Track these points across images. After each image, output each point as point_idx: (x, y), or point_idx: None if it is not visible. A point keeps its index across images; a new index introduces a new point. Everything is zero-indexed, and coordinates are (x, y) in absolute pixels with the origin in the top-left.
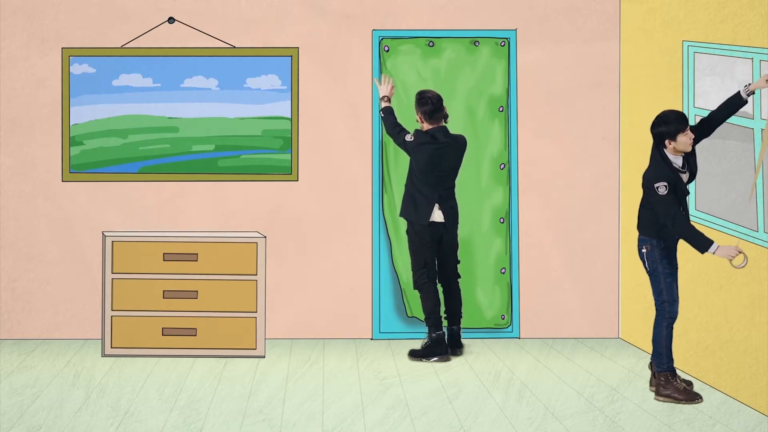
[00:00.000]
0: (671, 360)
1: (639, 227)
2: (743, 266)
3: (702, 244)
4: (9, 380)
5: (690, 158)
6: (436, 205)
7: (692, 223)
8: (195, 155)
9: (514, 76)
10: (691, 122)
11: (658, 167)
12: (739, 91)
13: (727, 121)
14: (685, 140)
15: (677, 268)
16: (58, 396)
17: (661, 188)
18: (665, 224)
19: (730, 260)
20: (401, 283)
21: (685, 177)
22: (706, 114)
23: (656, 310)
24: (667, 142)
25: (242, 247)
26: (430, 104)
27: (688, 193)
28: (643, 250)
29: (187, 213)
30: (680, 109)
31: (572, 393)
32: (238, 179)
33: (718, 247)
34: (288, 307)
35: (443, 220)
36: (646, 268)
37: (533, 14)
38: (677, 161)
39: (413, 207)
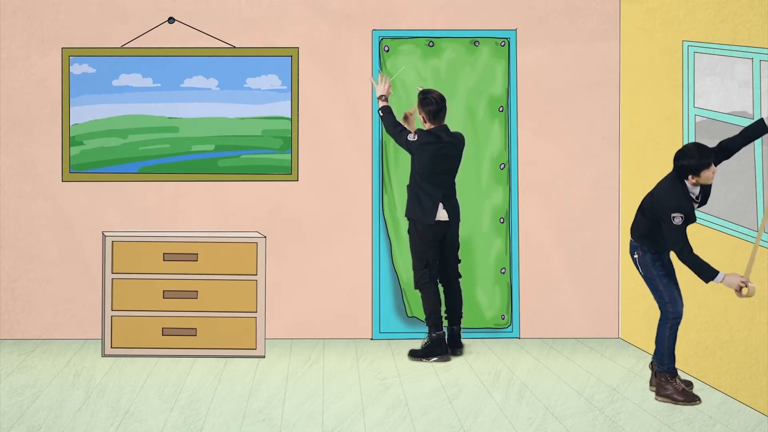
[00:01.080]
0: (673, 361)
1: (632, 231)
2: (749, 296)
3: (708, 274)
4: (9, 380)
5: (706, 188)
6: (441, 204)
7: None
8: (195, 155)
9: (514, 76)
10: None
11: (678, 197)
12: (762, 119)
13: (727, 121)
14: (708, 175)
15: (673, 270)
16: (58, 396)
17: (677, 219)
18: (672, 251)
19: (737, 290)
20: (401, 283)
21: (695, 206)
22: (705, 114)
23: (660, 311)
24: (690, 176)
25: (242, 247)
26: (435, 104)
27: (695, 220)
28: (635, 256)
29: (187, 213)
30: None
31: (572, 393)
32: (238, 179)
33: (725, 277)
34: (288, 307)
35: (448, 219)
36: (640, 272)
37: (533, 14)
38: (694, 191)
39: (419, 207)
